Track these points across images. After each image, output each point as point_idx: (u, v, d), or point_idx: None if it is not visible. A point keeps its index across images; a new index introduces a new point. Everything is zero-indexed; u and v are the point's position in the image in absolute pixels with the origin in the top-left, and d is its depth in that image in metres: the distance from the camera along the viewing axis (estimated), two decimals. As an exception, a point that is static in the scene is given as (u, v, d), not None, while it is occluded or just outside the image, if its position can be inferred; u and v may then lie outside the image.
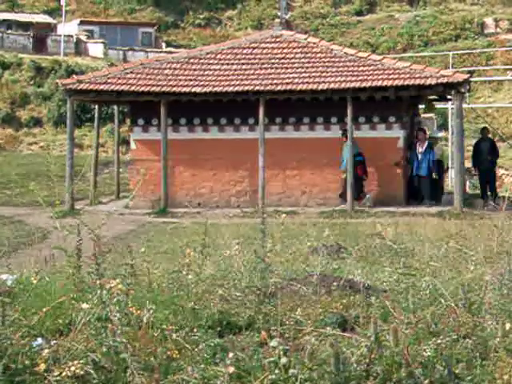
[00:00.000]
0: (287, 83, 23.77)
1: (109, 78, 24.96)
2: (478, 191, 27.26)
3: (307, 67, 24.55)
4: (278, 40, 26.36)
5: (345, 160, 23.66)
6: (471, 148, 39.31)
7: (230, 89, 23.91)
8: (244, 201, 24.33)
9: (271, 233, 8.66)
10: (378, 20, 64.50)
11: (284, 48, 25.86)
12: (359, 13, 67.09)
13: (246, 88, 23.81)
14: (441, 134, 23.85)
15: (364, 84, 23.16)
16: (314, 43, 26.22)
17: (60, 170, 26.04)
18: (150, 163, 24.88)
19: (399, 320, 5.79)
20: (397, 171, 24.20)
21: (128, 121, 29.44)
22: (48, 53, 53.27)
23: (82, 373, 5.07)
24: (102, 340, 5.36)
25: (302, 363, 4.97)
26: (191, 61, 25.78)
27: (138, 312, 5.86)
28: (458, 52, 50.03)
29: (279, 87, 23.65)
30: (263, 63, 25.11)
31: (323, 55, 25.21)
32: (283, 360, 4.92)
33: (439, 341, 5.32)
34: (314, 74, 24.07)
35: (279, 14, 28.37)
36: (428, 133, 24.38)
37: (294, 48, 25.80)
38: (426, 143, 24.51)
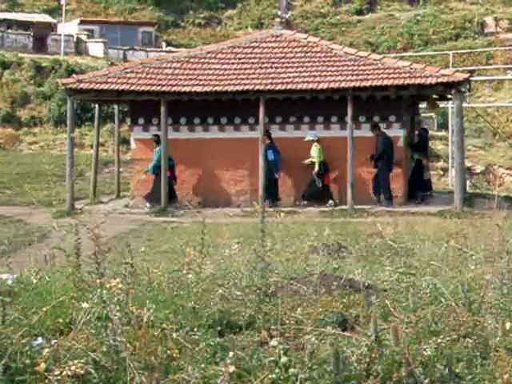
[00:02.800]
0: (287, 82, 23.77)
1: (109, 78, 24.95)
2: (479, 190, 27.26)
3: (307, 66, 24.55)
4: (278, 39, 26.36)
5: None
6: (471, 147, 39.29)
7: (231, 88, 23.92)
8: (244, 200, 24.31)
9: (271, 232, 8.66)
10: (378, 19, 64.45)
11: (284, 47, 25.86)
12: (359, 12, 67.04)
13: (247, 87, 23.81)
14: (311, 137, 23.66)
15: (364, 83, 23.16)
16: (314, 42, 26.22)
17: (60, 170, 26.06)
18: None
19: (399, 319, 5.79)
20: (397, 170, 24.18)
21: (128, 120, 29.45)
22: (48, 52, 53.21)
23: (82, 372, 5.07)
24: (103, 339, 5.37)
25: (302, 362, 4.97)
26: (191, 60, 25.77)
27: (138, 311, 5.86)
28: (458, 51, 50.00)
29: (279, 86, 23.65)
30: (263, 62, 25.11)
31: (323, 54, 25.21)
32: (283, 359, 4.92)
33: (439, 340, 5.32)
34: (314, 74, 24.08)
35: (279, 13, 28.37)
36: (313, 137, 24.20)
37: (295, 47, 25.79)
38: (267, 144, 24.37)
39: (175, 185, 24.74)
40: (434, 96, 26.86)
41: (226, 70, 24.98)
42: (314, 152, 24.13)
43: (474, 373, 5.15)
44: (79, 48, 56.13)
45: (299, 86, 23.57)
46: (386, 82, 23.10)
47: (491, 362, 5.33)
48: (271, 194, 23.86)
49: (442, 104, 32.01)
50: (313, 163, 24.17)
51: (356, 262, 10.19)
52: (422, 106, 30.35)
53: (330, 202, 23.91)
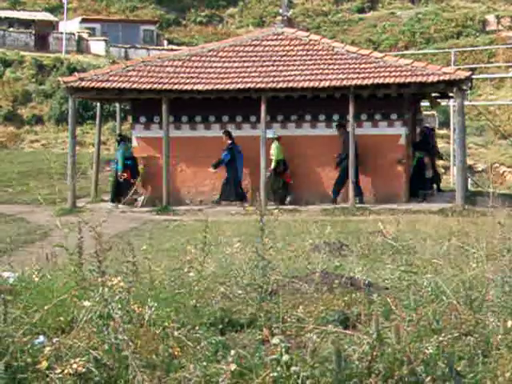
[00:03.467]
0: (289, 81, 23.76)
1: (110, 76, 24.95)
2: (480, 188, 27.25)
3: (309, 65, 24.54)
4: (279, 37, 26.34)
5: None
6: (472, 145, 39.25)
7: (232, 86, 23.91)
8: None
9: (272, 230, 8.66)
10: (380, 17, 64.44)
11: (286, 45, 25.84)
12: (361, 10, 67.04)
13: (248, 85, 23.80)
14: (272, 135, 23.79)
15: (366, 81, 23.15)
16: (316, 41, 26.20)
17: (61, 168, 26.05)
18: (151, 161, 24.89)
19: (401, 317, 5.79)
20: (398, 168, 24.18)
21: (130, 118, 29.43)
22: (50, 50, 53.23)
23: (83, 370, 5.08)
24: (104, 337, 5.37)
25: (303, 361, 4.97)
26: (193, 58, 25.77)
27: (140, 310, 5.87)
28: (460, 49, 49.97)
29: (281, 85, 23.64)
30: (265, 61, 25.10)
31: (325, 53, 25.19)
32: (285, 357, 4.92)
33: (441, 338, 5.32)
34: (315, 72, 24.06)
35: (281, 11, 28.36)
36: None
37: (296, 45, 25.78)
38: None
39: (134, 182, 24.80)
40: (435, 94, 26.86)
41: (227, 68, 24.97)
42: (273, 150, 24.21)
43: (476, 371, 5.15)
44: (81, 46, 56.14)
45: (301, 84, 23.56)
46: (387, 80, 23.09)
47: (493, 360, 5.33)
48: (236, 194, 24.02)
49: (443, 102, 32.00)
50: (283, 163, 24.26)
51: (357, 260, 10.20)
52: (424, 104, 30.31)
53: (289, 199, 23.95)
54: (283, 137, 24.44)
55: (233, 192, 24.19)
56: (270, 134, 24.12)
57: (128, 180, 23.04)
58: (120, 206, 23.26)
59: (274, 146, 24.24)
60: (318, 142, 24.30)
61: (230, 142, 24.28)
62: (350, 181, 23.32)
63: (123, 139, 25.84)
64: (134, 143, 25.78)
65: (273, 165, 24.22)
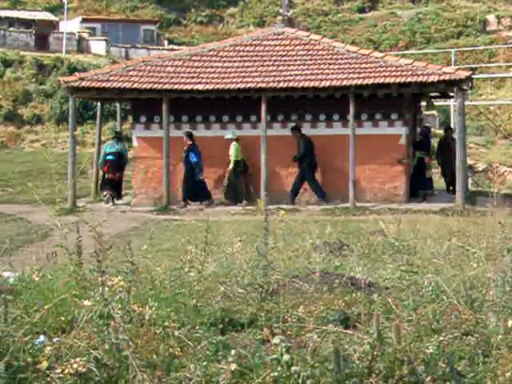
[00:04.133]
0: (289, 80, 23.75)
1: (111, 76, 24.95)
2: (481, 188, 27.25)
3: (309, 64, 24.54)
4: (280, 37, 26.34)
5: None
6: (473, 145, 39.23)
7: (232, 86, 23.91)
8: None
9: (273, 230, 8.66)
10: (380, 17, 64.41)
11: (286, 45, 25.84)
12: (361, 10, 67.01)
13: (248, 85, 23.80)
14: (230, 136, 24.08)
15: (366, 81, 23.15)
16: (316, 40, 26.20)
17: (62, 168, 26.06)
18: (152, 160, 24.91)
19: (401, 317, 5.79)
20: (399, 168, 24.18)
21: (130, 118, 29.43)
22: (50, 50, 53.20)
23: (84, 370, 5.07)
24: (104, 337, 5.37)
25: (304, 360, 4.97)
26: (193, 58, 25.77)
27: (140, 309, 5.86)
28: (461, 49, 49.96)
29: (281, 84, 23.64)
30: (265, 60, 25.10)
31: (325, 52, 25.19)
32: (285, 357, 4.92)
33: (441, 338, 5.32)
34: (316, 72, 24.06)
35: (281, 11, 28.37)
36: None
37: (296, 45, 25.78)
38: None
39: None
40: (435, 94, 26.86)
41: (227, 67, 24.98)
42: (232, 151, 24.34)
43: (476, 370, 5.15)
44: (81, 46, 56.13)
45: (301, 84, 23.55)
46: (387, 80, 23.08)
47: (493, 360, 5.33)
48: (201, 195, 24.21)
49: (443, 102, 32.01)
50: (243, 163, 24.44)
51: (358, 260, 10.19)
52: (424, 103, 30.32)
53: (244, 202, 23.97)
54: (283, 136, 24.44)
55: (185, 192, 24.32)
56: (228, 135, 24.45)
57: (105, 174, 25.05)
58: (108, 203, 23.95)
59: (233, 146, 24.37)
60: (319, 141, 24.27)
61: (190, 142, 24.37)
62: (350, 181, 23.32)
63: (117, 136, 26.10)
64: (135, 143, 25.79)
65: (231, 165, 24.34)
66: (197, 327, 5.96)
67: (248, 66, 24.94)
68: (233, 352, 5.09)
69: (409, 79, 23.05)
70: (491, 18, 60.43)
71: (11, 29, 55.73)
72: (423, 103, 29.03)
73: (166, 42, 62.38)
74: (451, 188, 25.55)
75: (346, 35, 60.72)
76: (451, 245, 10.06)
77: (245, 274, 7.59)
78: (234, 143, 24.38)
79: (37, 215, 20.81)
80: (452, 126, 29.96)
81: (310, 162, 24.08)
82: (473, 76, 25.32)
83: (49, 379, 5.05)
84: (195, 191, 24.25)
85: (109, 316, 5.47)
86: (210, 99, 24.46)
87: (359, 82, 23.18)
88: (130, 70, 25.17)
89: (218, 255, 8.99)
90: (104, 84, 24.61)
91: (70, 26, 56.98)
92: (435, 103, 30.55)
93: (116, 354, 5.21)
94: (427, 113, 37.91)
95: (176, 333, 5.70)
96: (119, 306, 5.53)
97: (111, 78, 24.79)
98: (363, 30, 62.79)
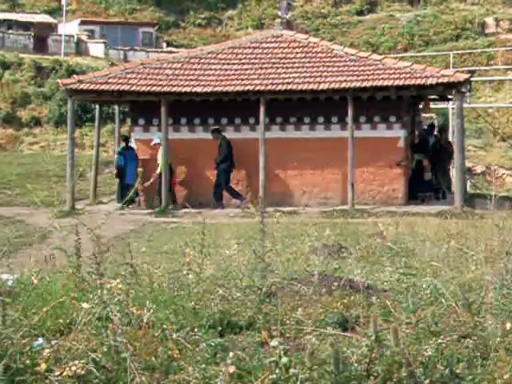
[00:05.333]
0: (288, 83, 23.77)
1: (109, 78, 24.96)
2: (479, 191, 27.25)
3: (308, 67, 24.56)
4: (278, 40, 26.37)
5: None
6: (471, 148, 39.22)
7: (231, 88, 23.92)
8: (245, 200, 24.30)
9: (271, 232, 8.66)
10: (379, 20, 64.45)
11: (285, 48, 25.86)
12: (360, 12, 67.05)
13: (247, 88, 23.82)
14: (158, 141, 24.47)
15: (365, 84, 23.17)
16: (315, 43, 26.22)
17: (60, 170, 26.05)
18: (150, 163, 24.90)
19: (400, 320, 5.79)
20: (397, 171, 24.19)
21: (129, 120, 29.45)
22: (49, 53, 53.27)
23: (82, 372, 5.07)
24: (103, 340, 5.36)
25: (302, 363, 4.97)
26: (192, 60, 25.78)
27: (139, 312, 5.86)
28: (459, 52, 50.01)
29: (280, 87, 23.65)
30: (264, 63, 25.12)
31: (324, 55, 25.21)
32: (284, 360, 4.91)
33: (440, 340, 5.32)
34: (314, 74, 24.08)
35: (280, 13, 28.39)
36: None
37: (295, 48, 25.80)
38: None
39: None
40: (432, 97, 26.88)
41: (226, 70, 24.99)
42: (160, 155, 24.50)
43: (475, 373, 5.15)
44: (80, 48, 56.20)
45: (300, 87, 23.57)
46: (386, 83, 23.10)
47: (491, 363, 5.33)
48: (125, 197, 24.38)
49: (442, 105, 32.01)
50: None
51: (356, 262, 10.20)
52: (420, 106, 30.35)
53: (171, 206, 24.04)
54: (282, 139, 24.47)
55: (120, 196, 24.68)
56: (156, 140, 24.73)
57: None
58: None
59: (161, 151, 24.51)
60: (317, 144, 24.29)
61: (123, 145, 24.92)
62: (349, 183, 23.34)
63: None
64: (134, 145, 25.81)
65: (158, 170, 24.45)
66: (195, 330, 5.96)
67: (247, 69, 24.96)
68: (231, 354, 5.08)
69: (407, 82, 23.07)
70: (490, 20, 60.48)
71: (10, 31, 55.81)
72: (420, 106, 29.05)
73: (164, 45, 62.46)
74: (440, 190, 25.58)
75: (345, 38, 60.77)
76: (450, 247, 10.07)
77: (243, 276, 7.59)
78: (162, 148, 24.48)
79: (35, 217, 20.81)
80: (450, 128, 29.96)
81: (229, 165, 24.29)
82: (471, 79, 25.34)
83: (47, 382, 5.05)
84: (123, 195, 24.33)
85: (107, 318, 5.47)
86: (208, 102, 24.47)
87: (358, 84, 23.20)
88: (128, 73, 25.18)
89: (217, 257, 8.99)
90: (103, 86, 24.62)
91: (69, 28, 57.06)
92: (433, 106, 30.56)
93: (114, 356, 5.21)
94: (426, 115, 37.93)
95: (174, 335, 5.69)
96: (118, 309, 5.53)
97: (110, 81, 24.79)
98: (362, 33, 62.84)
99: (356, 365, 5.03)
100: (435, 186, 25.63)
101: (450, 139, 27.28)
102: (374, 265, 10.44)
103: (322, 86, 23.42)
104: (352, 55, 25.02)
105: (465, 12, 62.42)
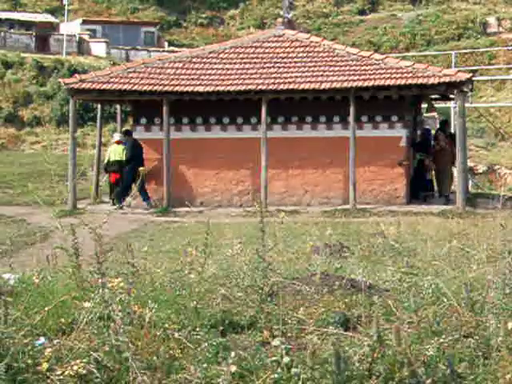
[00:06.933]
0: (290, 82, 23.76)
1: (111, 78, 24.96)
2: (481, 190, 27.23)
3: (310, 66, 24.55)
4: (280, 39, 26.36)
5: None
6: (473, 147, 39.23)
7: (233, 88, 23.92)
8: (246, 200, 24.32)
9: (273, 232, 8.65)
10: (381, 19, 64.47)
11: (286, 47, 25.85)
12: (362, 12, 67.09)
13: (249, 87, 23.81)
14: (118, 139, 24.93)
15: (366, 83, 23.15)
16: (317, 42, 26.21)
17: (62, 170, 26.05)
18: (152, 162, 24.90)
19: (401, 319, 5.79)
20: (399, 170, 24.18)
21: (130, 120, 29.44)
22: (50, 52, 53.32)
23: (84, 372, 5.07)
24: (105, 339, 5.36)
25: (304, 362, 4.97)
26: (194, 60, 25.78)
27: (141, 311, 5.86)
28: (461, 51, 49.99)
29: (282, 86, 23.65)
30: (266, 62, 25.11)
31: (326, 54, 25.20)
32: (285, 359, 4.91)
33: (441, 340, 5.32)
34: (316, 74, 24.07)
35: (282, 13, 28.36)
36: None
37: (297, 47, 25.79)
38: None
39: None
40: (434, 96, 26.86)
41: (228, 69, 24.99)
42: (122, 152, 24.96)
43: (476, 373, 5.15)
44: (81, 48, 56.22)
45: (301, 86, 23.56)
46: (388, 82, 23.08)
47: (493, 362, 5.32)
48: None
49: (444, 104, 31.97)
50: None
51: (358, 261, 10.19)
52: (425, 105, 30.32)
53: (124, 203, 24.06)
54: (284, 138, 24.47)
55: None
56: (117, 137, 25.44)
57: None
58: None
59: (120, 148, 25.02)
60: (319, 143, 24.30)
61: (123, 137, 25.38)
62: (350, 182, 23.34)
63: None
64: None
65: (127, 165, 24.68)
66: (197, 329, 5.95)
67: (248, 68, 24.95)
68: (233, 354, 5.08)
69: (409, 81, 23.05)
70: (491, 20, 60.49)
71: (12, 30, 55.83)
72: (424, 105, 29.04)
73: (166, 44, 62.47)
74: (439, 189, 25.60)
75: (347, 37, 60.80)
76: (451, 247, 10.06)
77: (245, 275, 7.59)
78: (121, 146, 24.95)
79: (37, 217, 20.81)
80: (452, 127, 29.94)
81: (135, 165, 24.31)
82: (473, 78, 25.31)
83: (49, 381, 5.05)
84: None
85: (109, 318, 5.47)
86: (210, 101, 24.46)
87: (359, 84, 23.18)
88: (130, 72, 25.18)
89: (219, 257, 8.99)
90: (104, 86, 24.62)
91: (71, 27, 57.09)
92: (435, 105, 30.53)
93: (116, 355, 5.21)
94: (428, 114, 37.92)
95: (176, 335, 5.69)
96: (119, 308, 5.53)
97: (112, 80, 24.80)
98: (363, 32, 62.85)
99: (358, 364, 5.03)
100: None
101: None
102: (375, 264, 10.44)
103: (323, 86, 23.41)
104: (354, 54, 25.01)
105: (467, 11, 62.44)
